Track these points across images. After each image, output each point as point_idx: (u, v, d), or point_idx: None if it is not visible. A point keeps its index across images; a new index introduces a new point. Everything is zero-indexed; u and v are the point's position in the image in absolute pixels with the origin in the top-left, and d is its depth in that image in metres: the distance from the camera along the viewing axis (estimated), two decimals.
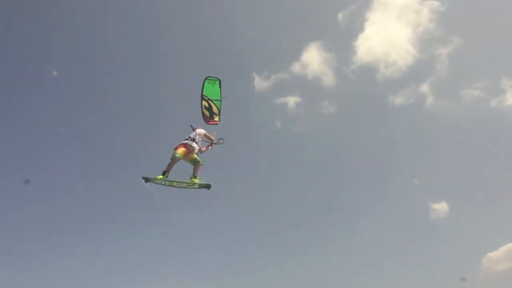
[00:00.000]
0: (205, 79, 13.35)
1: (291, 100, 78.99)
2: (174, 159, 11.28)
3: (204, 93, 13.30)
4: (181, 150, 11.40)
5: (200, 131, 12.29)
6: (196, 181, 11.57)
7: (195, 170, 11.76)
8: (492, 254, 44.42)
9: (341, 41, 68.63)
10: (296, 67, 68.87)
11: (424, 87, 65.97)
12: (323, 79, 70.78)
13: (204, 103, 13.21)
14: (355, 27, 69.78)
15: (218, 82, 13.39)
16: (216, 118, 13.25)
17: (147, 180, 11.17)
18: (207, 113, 13.18)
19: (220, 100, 13.31)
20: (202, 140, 12.23)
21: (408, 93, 66.52)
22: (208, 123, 13.13)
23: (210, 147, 12.53)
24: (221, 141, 12.62)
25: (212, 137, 12.54)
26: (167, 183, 11.23)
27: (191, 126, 12.29)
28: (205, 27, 67.28)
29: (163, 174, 11.15)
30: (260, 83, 71.41)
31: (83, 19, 63.38)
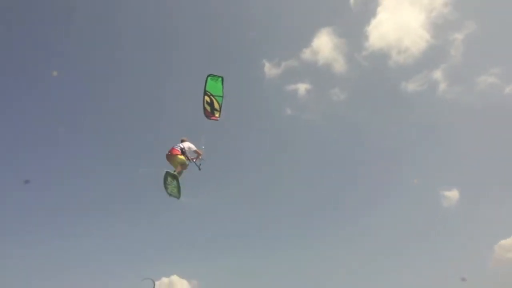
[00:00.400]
0: (208, 75, 13.60)
1: (302, 87, 78.43)
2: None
3: (206, 89, 13.54)
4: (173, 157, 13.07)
5: (190, 145, 13.40)
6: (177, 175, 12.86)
7: (180, 170, 13.05)
8: (505, 242, 44.18)
9: (353, 26, 67.27)
10: (306, 54, 68.20)
11: (437, 74, 64.63)
12: (334, 66, 69.93)
13: (206, 98, 13.47)
14: (367, 12, 68.24)
15: (220, 79, 13.61)
16: (217, 114, 13.54)
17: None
18: (208, 108, 13.45)
19: (222, 97, 13.56)
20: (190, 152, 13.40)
21: (420, 79, 65.28)
22: (209, 119, 13.40)
23: (195, 160, 13.40)
24: (202, 162, 13.42)
25: (200, 152, 13.39)
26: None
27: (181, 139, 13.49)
28: (215, 14, 67.01)
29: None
30: (270, 70, 71.09)
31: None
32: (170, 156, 13.05)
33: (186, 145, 13.38)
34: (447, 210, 53.11)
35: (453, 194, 52.45)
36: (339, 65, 63.11)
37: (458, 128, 62.84)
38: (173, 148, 13.20)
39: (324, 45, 60.91)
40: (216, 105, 13.50)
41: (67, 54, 61.15)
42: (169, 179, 12.75)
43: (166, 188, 12.98)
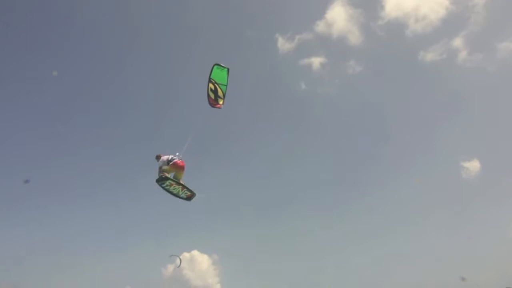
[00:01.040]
0: (215, 65, 13.83)
1: (316, 61, 77.03)
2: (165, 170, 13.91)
3: (211, 76, 13.84)
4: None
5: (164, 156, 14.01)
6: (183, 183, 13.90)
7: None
8: None
9: None
10: (320, 26, 66.44)
11: (457, 42, 62.11)
12: (349, 38, 67.94)
13: (211, 85, 13.76)
14: None
15: (226, 69, 13.91)
16: (221, 102, 13.87)
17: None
18: (212, 95, 13.78)
19: (226, 86, 13.84)
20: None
21: (439, 48, 62.94)
22: (212, 106, 13.79)
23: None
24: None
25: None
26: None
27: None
28: None
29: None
30: (283, 44, 69.82)
31: None
32: (180, 167, 13.77)
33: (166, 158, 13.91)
34: (467, 181, 52.43)
35: (473, 165, 51.57)
36: (355, 37, 61.32)
37: (479, 97, 60.87)
38: (181, 161, 13.81)
39: (339, 16, 59.14)
40: (220, 93, 13.82)
41: None
42: (166, 183, 13.49)
43: (177, 194, 13.81)
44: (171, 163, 13.62)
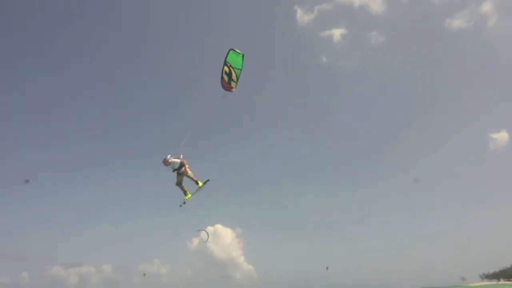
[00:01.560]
0: (230, 49, 14.13)
1: (337, 33, 75.31)
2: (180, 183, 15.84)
3: (227, 59, 14.20)
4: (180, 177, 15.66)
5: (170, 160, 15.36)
6: (200, 183, 15.84)
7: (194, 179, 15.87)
8: None
9: None
10: None
11: (486, 7, 59.20)
12: (371, 6, 65.79)
13: (226, 68, 14.14)
14: None
15: (241, 55, 14.19)
16: (233, 85, 14.35)
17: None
18: (226, 78, 14.22)
19: (241, 70, 14.17)
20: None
21: (467, 15, 60.22)
22: (224, 89, 14.38)
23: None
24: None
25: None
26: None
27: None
28: None
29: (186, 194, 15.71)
30: (303, 16, 68.52)
31: None
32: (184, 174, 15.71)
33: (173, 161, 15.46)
34: (495, 153, 51.42)
35: (501, 136, 50.49)
36: (377, 5, 59.40)
37: (508, 67, 58.49)
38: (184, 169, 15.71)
39: None
40: (233, 76, 14.24)
41: None
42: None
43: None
44: (178, 172, 15.52)
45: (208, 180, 15.86)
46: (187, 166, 15.62)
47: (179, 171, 15.51)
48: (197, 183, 15.79)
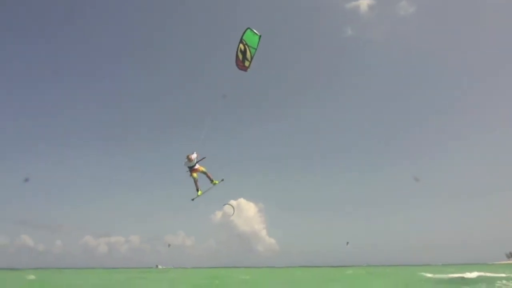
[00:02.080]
0: (248, 28, 14.21)
1: (363, 3, 72.04)
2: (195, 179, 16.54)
3: (243, 37, 14.25)
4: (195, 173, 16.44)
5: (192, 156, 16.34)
6: (216, 182, 16.64)
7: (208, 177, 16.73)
8: None
9: None
10: None
11: None
12: None
13: (241, 46, 14.20)
14: None
15: (258, 36, 14.23)
16: (247, 64, 14.40)
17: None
18: (240, 56, 14.31)
19: (256, 49, 14.21)
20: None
21: None
22: (238, 67, 14.49)
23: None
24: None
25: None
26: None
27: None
28: None
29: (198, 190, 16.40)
30: None
31: None
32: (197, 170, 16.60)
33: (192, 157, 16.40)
34: None
35: None
36: None
37: None
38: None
39: None
40: (248, 55, 14.28)
41: None
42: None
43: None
44: (191, 168, 16.44)
45: (222, 180, 16.75)
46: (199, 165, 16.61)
47: (193, 168, 16.44)
48: (211, 180, 16.68)
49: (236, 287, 34.23)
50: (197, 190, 16.39)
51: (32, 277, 47.49)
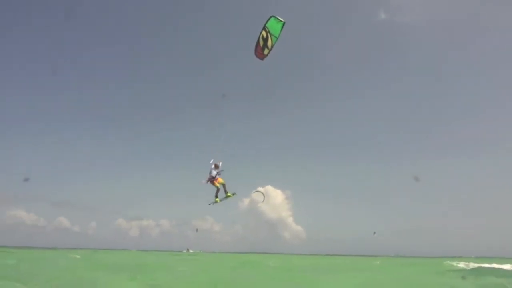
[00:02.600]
0: (272, 16, 14.14)
1: None
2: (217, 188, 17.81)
3: (266, 25, 14.26)
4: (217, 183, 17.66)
5: (213, 165, 17.57)
6: (230, 194, 17.99)
7: (224, 189, 18.00)
8: None
9: None
10: None
11: None
12: None
13: (263, 33, 14.23)
14: None
15: (282, 23, 14.13)
16: (266, 52, 14.44)
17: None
18: (261, 43, 14.35)
19: (277, 38, 14.16)
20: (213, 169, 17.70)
21: None
22: (256, 55, 14.50)
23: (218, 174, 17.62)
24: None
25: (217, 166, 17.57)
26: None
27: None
28: None
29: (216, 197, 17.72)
30: None
31: None
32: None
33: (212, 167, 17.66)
34: None
35: None
36: None
37: None
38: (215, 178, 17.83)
39: None
40: (269, 43, 14.30)
41: None
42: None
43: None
44: (210, 181, 17.61)
45: (235, 194, 18.11)
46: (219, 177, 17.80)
47: (214, 178, 17.62)
48: (226, 192, 17.99)
49: (270, 272, 34.97)
50: (216, 197, 17.73)
51: (77, 256, 49.91)
